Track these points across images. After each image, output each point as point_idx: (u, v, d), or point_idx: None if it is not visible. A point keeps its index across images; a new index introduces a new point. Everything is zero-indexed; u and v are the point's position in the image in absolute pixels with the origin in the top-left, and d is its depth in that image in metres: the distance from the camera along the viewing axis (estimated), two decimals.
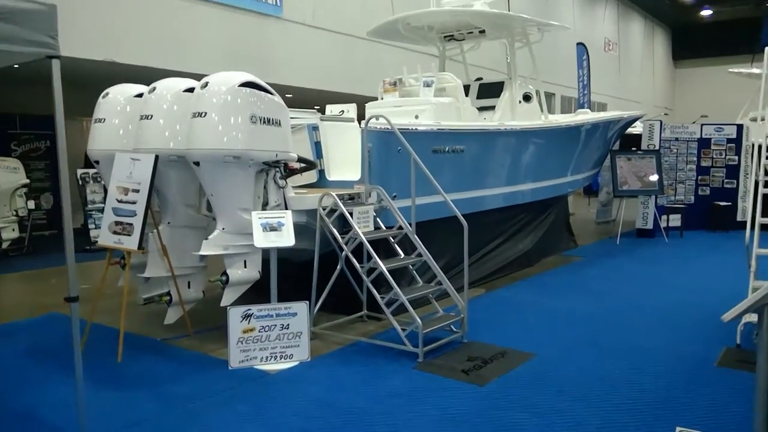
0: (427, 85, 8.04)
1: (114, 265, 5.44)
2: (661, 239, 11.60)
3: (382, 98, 8.46)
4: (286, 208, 5.24)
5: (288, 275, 6.52)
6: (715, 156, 13.14)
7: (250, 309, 4.63)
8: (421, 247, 5.59)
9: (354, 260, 5.26)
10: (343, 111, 7.23)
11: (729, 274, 8.54)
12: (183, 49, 10.44)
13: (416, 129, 6.45)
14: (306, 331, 4.80)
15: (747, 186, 13.02)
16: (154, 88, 5.26)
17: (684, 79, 36.34)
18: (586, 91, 17.72)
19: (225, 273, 4.95)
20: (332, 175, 6.41)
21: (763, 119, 12.45)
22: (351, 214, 5.35)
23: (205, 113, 4.70)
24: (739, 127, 13.04)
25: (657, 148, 12.04)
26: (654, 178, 11.63)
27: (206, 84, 4.83)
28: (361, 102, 8.08)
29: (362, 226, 5.44)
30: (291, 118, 6.36)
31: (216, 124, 4.67)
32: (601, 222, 14.55)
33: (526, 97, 9.45)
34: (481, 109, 9.08)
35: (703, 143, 13.15)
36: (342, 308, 6.21)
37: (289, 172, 5.37)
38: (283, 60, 12.53)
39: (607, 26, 28.37)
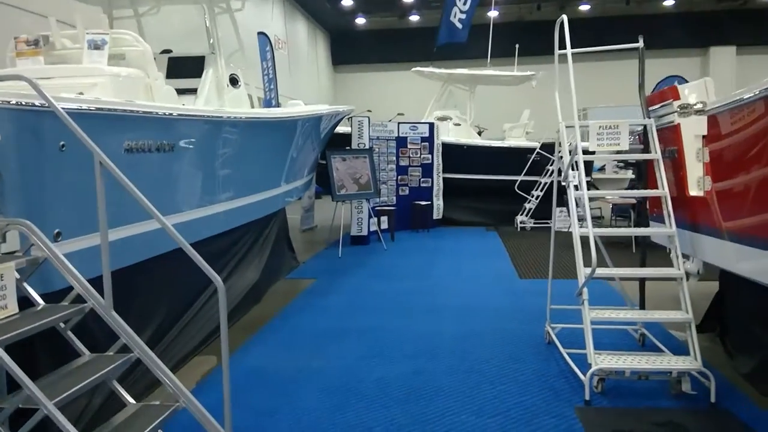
0: (96, 46, 5.10)
1: None
2: (378, 245, 10.67)
3: (14, 65, 5.14)
4: None
5: None
6: (411, 155, 12.93)
7: None
8: (125, 336, 2.90)
9: None
10: None
11: (474, 280, 7.91)
12: None
13: (98, 109, 3.60)
14: None
15: (440, 184, 13.20)
16: None
17: (343, 83, 38.17)
18: (273, 87, 16.04)
19: None
20: None
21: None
22: None
23: None
24: (431, 125, 13.08)
25: (369, 146, 11.07)
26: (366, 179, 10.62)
27: None
28: None
29: None
30: None
31: None
32: (306, 229, 13.13)
33: (233, 81, 7.20)
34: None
35: (401, 142, 12.82)
36: None
37: None
38: None
39: (276, 23, 27.51)
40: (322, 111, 9.41)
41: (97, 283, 3.05)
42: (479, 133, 15.23)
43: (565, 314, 5.41)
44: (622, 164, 15.51)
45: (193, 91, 6.64)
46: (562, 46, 4.88)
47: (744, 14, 25.94)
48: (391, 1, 27.32)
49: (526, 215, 13.00)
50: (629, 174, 12.92)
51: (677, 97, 4.42)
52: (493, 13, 23.18)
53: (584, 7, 25.55)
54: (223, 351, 2.99)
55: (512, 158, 13.50)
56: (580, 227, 4.50)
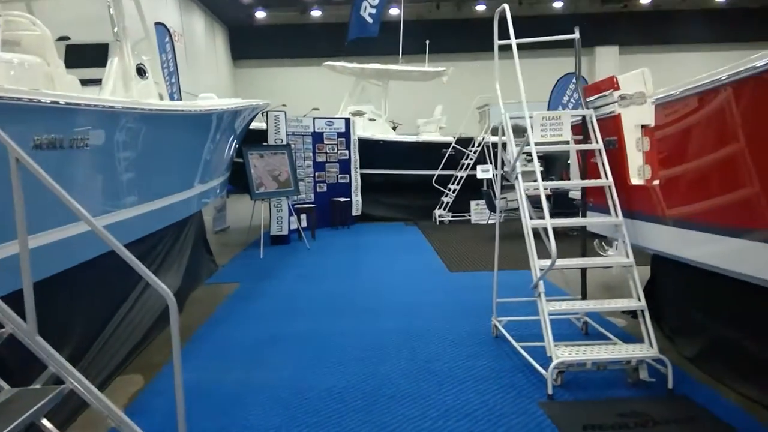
0: None
1: None
2: (300, 244, 10.34)
3: None
4: None
5: None
6: (328, 151, 12.64)
7: None
8: (55, 365, 2.44)
9: None
10: None
11: (405, 276, 7.77)
12: None
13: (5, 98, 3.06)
14: None
15: (358, 180, 12.99)
16: None
17: (245, 78, 37.06)
18: (174, 80, 15.05)
19: None
20: None
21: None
22: None
23: None
24: (347, 121, 12.85)
25: (286, 142, 10.64)
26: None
27: None
28: None
29: None
30: None
31: None
32: (219, 231, 12.47)
33: (140, 71, 6.61)
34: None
35: (317, 138, 12.49)
36: None
37: None
38: None
39: (171, 15, 26.07)
40: (237, 105, 8.91)
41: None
42: (394, 129, 15.19)
43: (507, 307, 5.38)
44: (529, 157, 15.85)
45: (95, 81, 6.01)
46: (502, 36, 4.82)
47: (625, 16, 27.92)
48: None
49: (444, 209, 13.11)
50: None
51: (617, 88, 4.48)
52: (394, 11, 23.25)
53: (480, 7, 26.28)
54: (175, 374, 2.60)
55: (428, 153, 13.57)
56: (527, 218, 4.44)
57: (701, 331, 4.27)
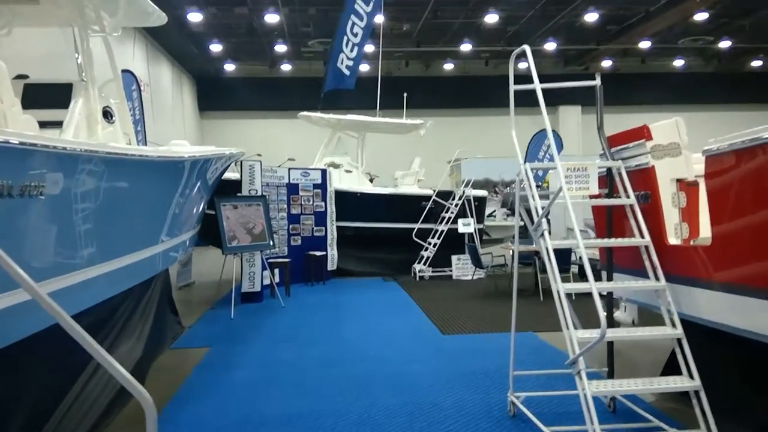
0: None
1: None
2: (273, 302, 9.59)
3: None
4: None
5: None
6: (303, 202, 12.04)
7: None
8: None
9: None
10: None
11: (395, 340, 7.01)
12: None
13: None
14: None
15: (334, 233, 12.38)
16: None
17: (212, 130, 36.65)
18: (140, 128, 14.39)
19: None
20: None
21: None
22: None
23: None
24: (324, 172, 12.34)
25: (260, 193, 10.01)
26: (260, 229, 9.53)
27: None
28: None
29: None
30: None
31: None
32: (183, 286, 11.60)
33: (107, 114, 6.04)
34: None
35: (292, 189, 11.90)
36: None
37: None
38: None
39: (138, 65, 25.58)
40: (211, 153, 8.29)
41: None
42: (371, 181, 14.75)
43: (519, 379, 4.76)
44: (510, 212, 15.61)
45: (56, 124, 5.39)
46: (523, 81, 4.42)
47: (586, 78, 28.73)
48: (261, 50, 26.64)
49: (424, 264, 12.54)
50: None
51: (648, 137, 4.08)
52: (363, 67, 23.21)
53: (448, 66, 26.58)
54: None
55: (406, 206, 13.12)
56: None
57: (750, 413, 3.74)
